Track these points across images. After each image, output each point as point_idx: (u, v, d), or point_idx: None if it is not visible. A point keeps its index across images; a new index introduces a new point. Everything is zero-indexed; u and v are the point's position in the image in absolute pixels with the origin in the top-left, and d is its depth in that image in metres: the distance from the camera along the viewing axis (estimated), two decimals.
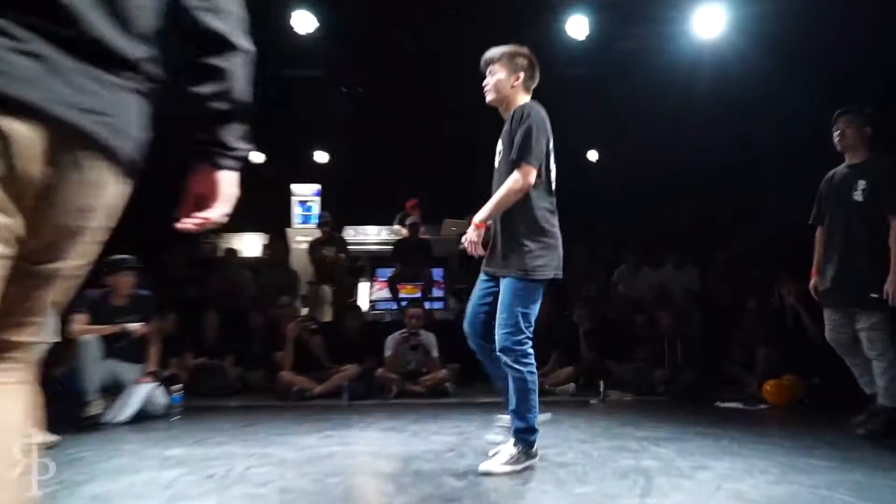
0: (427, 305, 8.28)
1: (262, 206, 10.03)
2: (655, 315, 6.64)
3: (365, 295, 9.36)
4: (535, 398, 3.00)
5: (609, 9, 7.24)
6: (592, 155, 10.82)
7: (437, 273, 9.17)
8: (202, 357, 6.47)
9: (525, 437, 3.00)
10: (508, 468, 2.93)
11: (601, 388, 5.82)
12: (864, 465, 2.99)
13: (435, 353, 6.23)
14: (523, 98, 3.20)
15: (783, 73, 6.82)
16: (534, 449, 3.02)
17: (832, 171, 4.10)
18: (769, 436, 3.92)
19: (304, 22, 7.04)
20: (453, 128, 9.96)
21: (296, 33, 7.17)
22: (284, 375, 5.91)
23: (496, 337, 2.97)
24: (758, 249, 7.83)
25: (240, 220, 9.12)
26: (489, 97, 3.25)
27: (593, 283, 8.34)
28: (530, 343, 2.97)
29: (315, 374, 6.06)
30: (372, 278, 9.53)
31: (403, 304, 8.27)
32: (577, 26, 6.94)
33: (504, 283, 3.01)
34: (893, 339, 3.74)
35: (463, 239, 3.05)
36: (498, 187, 3.06)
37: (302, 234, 9.62)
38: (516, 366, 2.93)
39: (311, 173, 10.50)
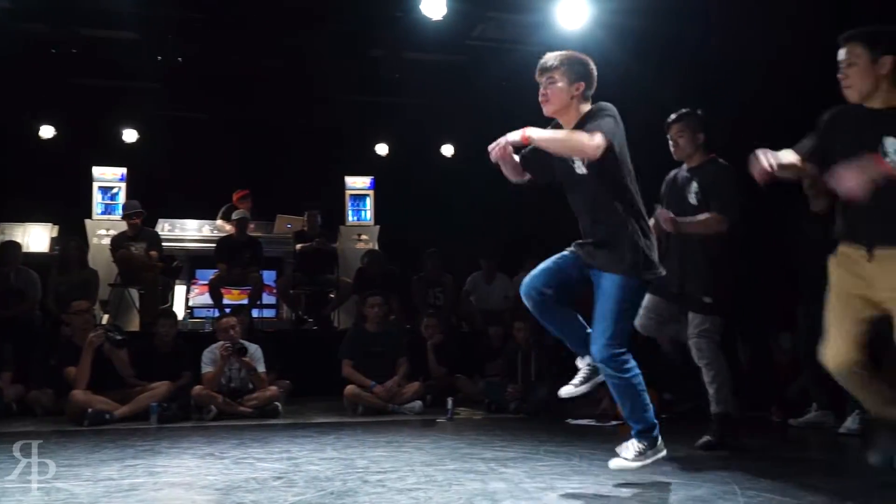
0: (255, 313, 8.12)
1: (54, 192, 9.39)
2: (510, 327, 6.88)
3: (181, 300, 8.99)
4: (646, 396, 3.15)
5: None
6: (447, 149, 11.01)
7: (269, 276, 8.98)
8: None
9: (648, 435, 3.15)
10: (639, 463, 3.13)
11: (449, 405, 5.97)
12: (711, 481, 3.28)
13: (261, 368, 6.11)
14: (585, 108, 3.27)
15: (649, 71, 7.31)
16: (659, 442, 3.19)
17: (673, 173, 4.48)
18: None
19: None
20: (293, 109, 9.80)
21: None
22: (77, 395, 5.54)
23: (593, 348, 3.09)
24: None
25: (24, 209, 8.51)
26: (548, 109, 3.29)
27: (442, 291, 8.46)
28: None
29: (118, 392, 5.74)
30: (191, 281, 9.18)
31: (227, 311, 8.03)
32: (434, 5, 7.04)
33: (609, 282, 3.07)
34: (722, 346, 4.18)
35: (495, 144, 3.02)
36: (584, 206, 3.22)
37: (104, 226, 9.04)
38: (620, 374, 3.07)
39: (116, 154, 9.88)
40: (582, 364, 3.36)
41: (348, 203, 10.17)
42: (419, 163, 10.69)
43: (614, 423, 5.39)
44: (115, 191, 9.37)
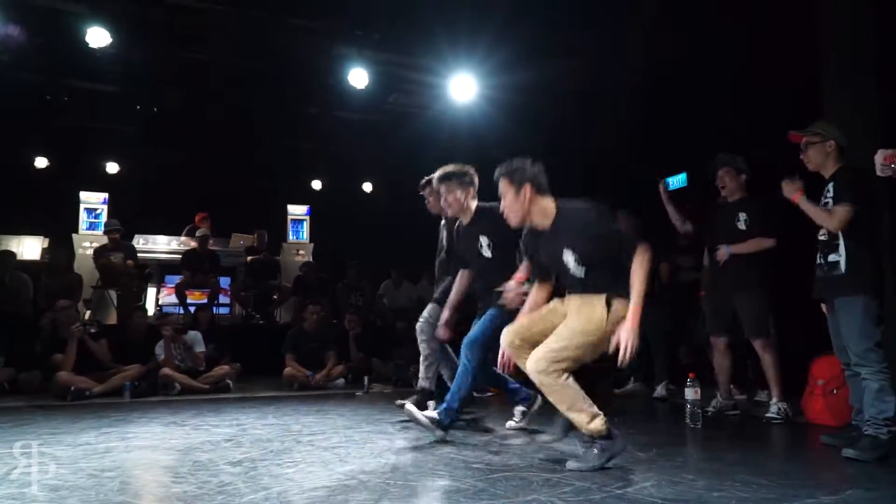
0: (214, 311, 7.87)
1: (46, 211, 8.83)
2: (413, 322, 6.88)
3: (152, 300, 8.57)
4: None
5: (385, 65, 7.48)
6: (367, 186, 11.06)
7: (224, 281, 8.70)
8: None
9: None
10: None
11: (365, 382, 5.92)
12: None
13: (199, 349, 5.99)
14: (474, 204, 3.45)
15: (520, 131, 7.50)
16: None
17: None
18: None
19: (98, 37, 6.30)
20: (247, 150, 9.61)
21: (90, 48, 6.41)
22: (62, 375, 5.18)
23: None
24: None
25: (20, 224, 7.96)
26: (452, 211, 3.47)
27: (362, 294, 8.46)
28: None
29: (97, 374, 5.40)
30: (160, 284, 8.76)
31: (191, 309, 7.72)
32: (358, 77, 7.06)
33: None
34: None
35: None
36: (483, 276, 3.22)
37: (88, 239, 8.54)
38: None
39: (100, 182, 9.40)
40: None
41: (289, 225, 10.07)
42: (345, 195, 10.66)
43: (489, 394, 5.45)
44: (98, 211, 8.90)
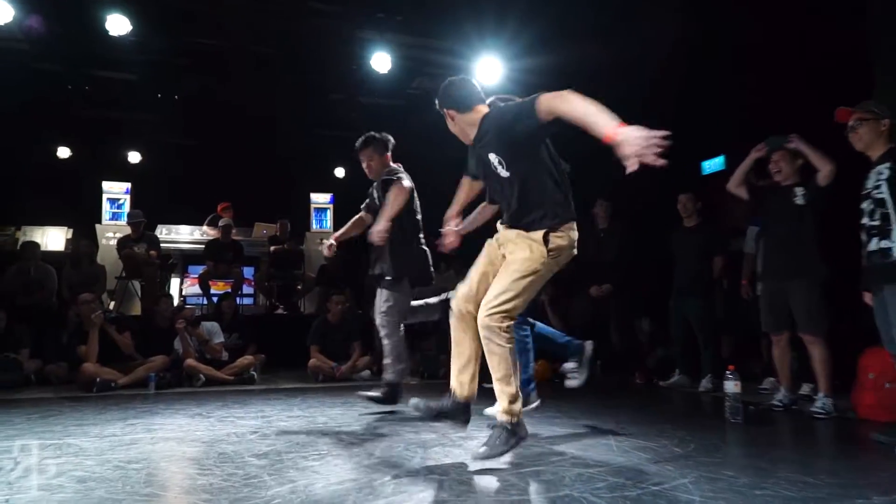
0: (238, 301, 7.98)
1: (69, 202, 9.01)
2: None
3: (176, 291, 8.72)
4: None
5: (408, 48, 7.44)
6: None
7: (248, 272, 8.82)
8: None
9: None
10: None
11: None
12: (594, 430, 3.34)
13: (217, 340, 6.07)
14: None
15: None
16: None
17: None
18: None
19: (118, 24, 6.38)
20: (266, 138, 9.66)
21: (110, 36, 6.49)
22: (88, 367, 5.31)
23: None
24: None
25: (44, 215, 8.14)
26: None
27: None
28: None
29: (122, 365, 5.52)
30: (184, 274, 8.92)
31: (214, 299, 7.83)
32: (381, 62, 7.04)
33: None
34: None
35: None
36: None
37: (111, 230, 8.71)
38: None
39: (122, 172, 9.56)
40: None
41: (313, 214, 10.16)
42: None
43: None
44: (121, 201, 9.08)
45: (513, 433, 2.59)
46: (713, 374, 5.11)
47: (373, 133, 4.30)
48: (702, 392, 5.10)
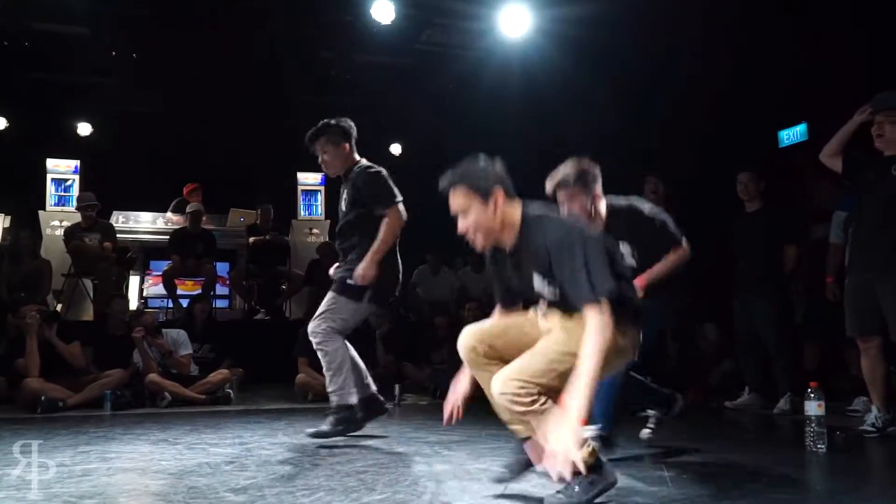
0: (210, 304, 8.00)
1: (7, 184, 9.08)
2: (455, 317, 6.91)
3: (136, 291, 8.80)
4: None
5: None
6: (395, 148, 10.98)
7: (222, 268, 8.86)
8: None
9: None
10: None
11: (396, 392, 5.97)
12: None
13: (184, 351, 6.14)
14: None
15: (585, 75, 7.39)
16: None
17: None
18: None
19: None
20: (246, 106, 9.66)
21: None
22: (31, 382, 5.39)
23: None
24: None
25: None
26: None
27: None
28: None
29: (72, 380, 5.59)
30: (144, 271, 8.99)
31: (182, 301, 7.90)
32: (382, 11, 7.02)
33: None
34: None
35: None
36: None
37: (57, 217, 8.79)
38: None
39: (70, 147, 9.61)
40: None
41: (300, 198, 10.11)
42: (368, 159, 10.60)
43: None
44: (68, 183, 9.13)
45: (592, 483, 2.45)
46: (792, 392, 5.08)
47: (328, 120, 4.21)
48: (776, 414, 5.08)
